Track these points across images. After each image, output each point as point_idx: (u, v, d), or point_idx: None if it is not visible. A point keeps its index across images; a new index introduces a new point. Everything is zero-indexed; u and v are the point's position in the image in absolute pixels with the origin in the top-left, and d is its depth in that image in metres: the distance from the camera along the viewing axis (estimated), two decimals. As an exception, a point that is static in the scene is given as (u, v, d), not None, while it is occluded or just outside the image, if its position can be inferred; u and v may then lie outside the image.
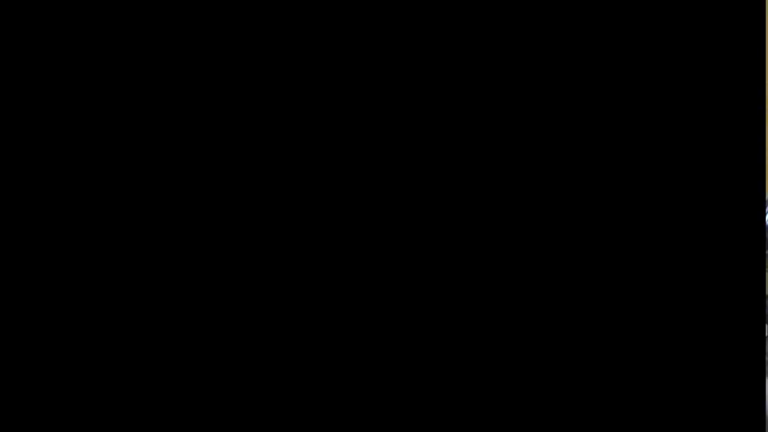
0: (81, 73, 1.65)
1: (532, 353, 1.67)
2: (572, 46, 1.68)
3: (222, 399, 1.66)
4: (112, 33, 1.65)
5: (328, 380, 1.66)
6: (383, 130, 1.67)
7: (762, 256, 1.69)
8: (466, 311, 1.67)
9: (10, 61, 1.64)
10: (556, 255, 1.68)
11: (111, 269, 1.64)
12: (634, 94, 1.68)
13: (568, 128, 1.68)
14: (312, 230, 1.66)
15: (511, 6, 1.68)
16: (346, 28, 1.67)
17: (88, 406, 1.64)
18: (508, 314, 1.67)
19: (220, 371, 1.66)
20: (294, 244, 1.66)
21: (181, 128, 1.65)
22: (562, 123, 1.68)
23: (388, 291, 1.66)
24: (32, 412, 1.63)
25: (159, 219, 1.65)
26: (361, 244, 1.66)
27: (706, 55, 1.68)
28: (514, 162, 1.67)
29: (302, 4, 1.66)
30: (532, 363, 1.67)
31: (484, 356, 1.67)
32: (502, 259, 1.67)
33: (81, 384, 1.64)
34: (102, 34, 1.65)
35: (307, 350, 1.66)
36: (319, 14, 1.66)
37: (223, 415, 1.66)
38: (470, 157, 1.68)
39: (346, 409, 1.66)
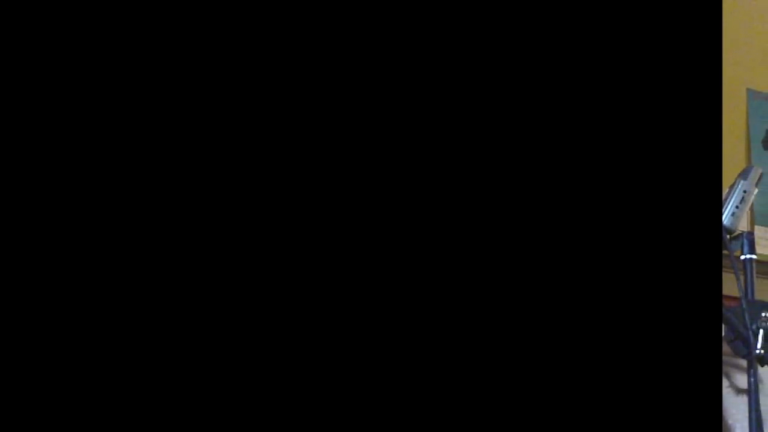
0: (80, 73, 1.65)
1: (497, 351, 1.68)
2: (527, 50, 1.69)
3: (221, 399, 1.65)
4: (111, 33, 1.65)
5: (326, 381, 1.66)
6: (383, 130, 1.68)
7: (718, 255, 1.71)
8: (434, 315, 1.68)
9: (10, 61, 1.63)
10: (510, 256, 1.68)
11: (110, 268, 1.64)
12: (589, 94, 1.70)
13: (521, 131, 1.69)
14: (311, 230, 1.66)
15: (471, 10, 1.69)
16: (345, 28, 1.67)
17: (87, 405, 1.63)
18: (471, 311, 1.67)
19: (219, 371, 1.65)
20: (292, 245, 1.66)
21: (180, 128, 1.65)
22: (514, 126, 1.69)
23: (387, 291, 1.66)
24: (32, 412, 1.62)
25: (158, 218, 1.65)
26: (360, 244, 1.67)
27: (662, 57, 1.70)
28: (478, 160, 1.68)
29: (302, 3, 1.67)
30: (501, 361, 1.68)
31: (460, 355, 1.67)
32: (464, 254, 1.68)
33: (80, 384, 1.63)
34: (101, 33, 1.65)
35: (307, 350, 1.66)
36: (319, 14, 1.67)
37: (221, 414, 1.65)
38: (437, 160, 1.69)
39: (345, 410, 1.66)
